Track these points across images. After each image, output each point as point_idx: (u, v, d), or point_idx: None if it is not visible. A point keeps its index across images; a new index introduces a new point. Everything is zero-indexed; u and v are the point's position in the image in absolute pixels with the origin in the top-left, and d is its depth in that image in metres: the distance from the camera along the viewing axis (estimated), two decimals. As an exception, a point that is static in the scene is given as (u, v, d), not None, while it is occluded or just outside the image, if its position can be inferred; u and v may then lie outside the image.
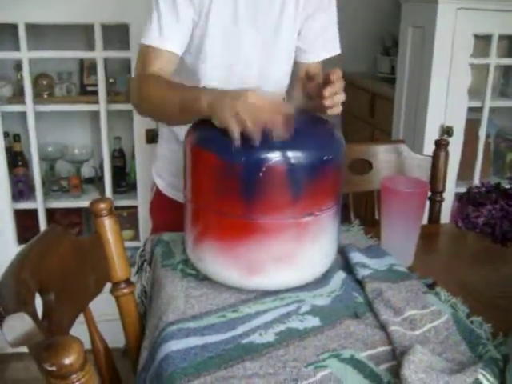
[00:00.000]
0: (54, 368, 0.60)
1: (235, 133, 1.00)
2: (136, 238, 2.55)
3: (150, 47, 1.33)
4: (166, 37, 1.33)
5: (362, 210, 1.74)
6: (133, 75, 1.40)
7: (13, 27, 2.16)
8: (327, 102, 1.11)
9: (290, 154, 1.00)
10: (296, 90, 1.29)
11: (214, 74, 1.42)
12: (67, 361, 0.59)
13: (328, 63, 1.51)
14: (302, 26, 1.48)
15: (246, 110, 0.99)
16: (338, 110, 1.13)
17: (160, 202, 1.67)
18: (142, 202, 2.41)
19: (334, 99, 1.11)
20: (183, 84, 1.24)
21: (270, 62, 1.47)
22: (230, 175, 1.02)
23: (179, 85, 1.25)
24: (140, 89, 1.32)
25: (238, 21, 1.39)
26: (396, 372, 0.86)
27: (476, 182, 2.45)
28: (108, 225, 1.12)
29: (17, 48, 2.20)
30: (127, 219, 2.60)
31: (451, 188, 2.26)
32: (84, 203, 2.52)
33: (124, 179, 2.64)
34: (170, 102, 1.21)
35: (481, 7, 2.16)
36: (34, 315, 0.75)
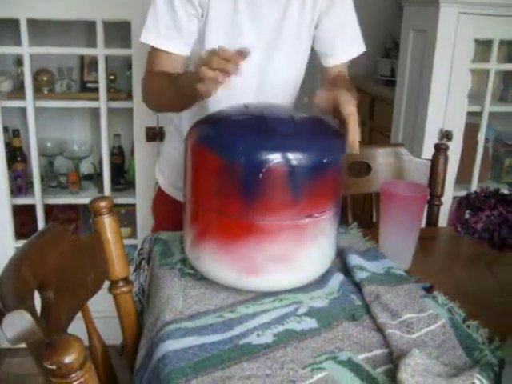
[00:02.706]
0: (54, 367, 0.60)
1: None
2: (133, 235, 2.55)
3: (157, 50, 1.35)
4: (173, 39, 1.34)
5: (359, 212, 1.74)
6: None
7: (14, 22, 2.15)
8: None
9: (290, 155, 1.00)
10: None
11: None
12: (67, 360, 0.59)
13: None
14: (317, 28, 1.48)
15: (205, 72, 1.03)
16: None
17: (162, 200, 1.67)
18: (140, 199, 2.41)
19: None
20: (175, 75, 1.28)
21: (271, 64, 1.45)
22: (229, 175, 1.02)
23: (173, 75, 1.29)
24: (143, 85, 1.38)
25: (238, 22, 1.38)
26: (393, 375, 0.86)
27: (474, 186, 2.46)
28: (108, 223, 1.12)
29: (17, 43, 2.20)
30: (125, 217, 2.60)
31: (449, 192, 2.27)
32: (82, 200, 2.52)
33: (122, 177, 2.64)
34: (168, 91, 1.27)
35: (482, 12, 2.16)
36: (32, 312, 0.75)
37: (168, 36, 1.34)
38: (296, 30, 1.44)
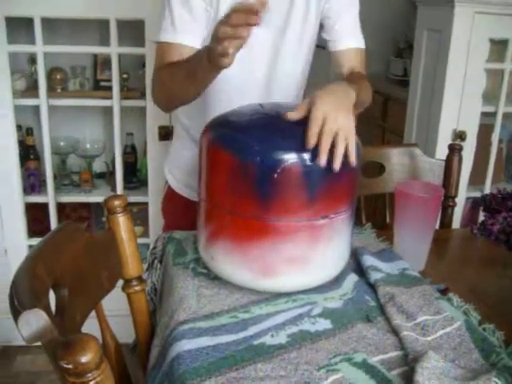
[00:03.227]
0: (70, 366, 0.59)
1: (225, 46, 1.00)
2: (145, 234, 2.55)
3: (164, 44, 1.34)
4: (180, 31, 1.32)
5: (370, 213, 1.73)
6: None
7: (28, 21, 2.16)
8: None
9: (305, 155, 0.99)
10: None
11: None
12: (84, 359, 0.59)
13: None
14: (323, 16, 1.47)
15: (225, 31, 0.99)
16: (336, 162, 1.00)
17: (171, 199, 1.67)
18: (152, 198, 2.42)
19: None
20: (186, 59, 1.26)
21: (277, 57, 1.45)
22: (244, 175, 1.02)
23: (181, 61, 1.27)
24: (155, 81, 1.35)
25: None
26: (408, 378, 0.86)
27: (487, 187, 2.44)
28: (122, 222, 1.12)
29: (30, 41, 2.21)
30: (137, 215, 2.60)
31: (462, 193, 2.25)
32: (95, 198, 2.53)
33: (135, 175, 2.64)
34: (178, 76, 1.24)
35: (498, 12, 2.14)
36: (48, 311, 0.74)
37: (184, 29, 1.33)
38: (301, 24, 1.44)
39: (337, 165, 0.99)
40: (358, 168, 1.10)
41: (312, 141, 0.99)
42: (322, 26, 1.49)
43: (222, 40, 1.00)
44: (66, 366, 0.60)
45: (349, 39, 1.48)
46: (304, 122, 1.09)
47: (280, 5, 1.39)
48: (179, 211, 1.62)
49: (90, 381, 0.61)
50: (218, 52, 1.02)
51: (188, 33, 1.33)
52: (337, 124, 1.00)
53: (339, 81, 1.30)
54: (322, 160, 0.99)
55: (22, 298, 0.75)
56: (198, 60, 1.16)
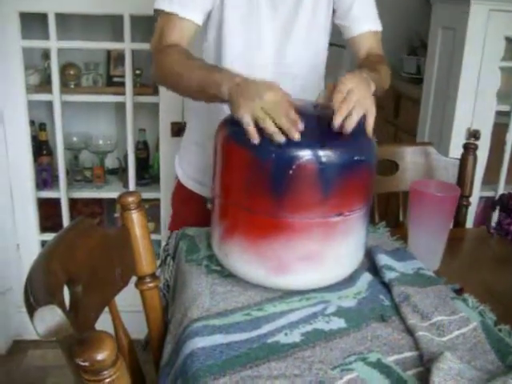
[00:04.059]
0: (86, 363, 0.59)
1: (250, 131, 1.00)
2: (157, 230, 2.55)
3: (170, 14, 1.32)
4: (187, 4, 1.31)
5: (382, 211, 1.72)
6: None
7: (42, 16, 2.17)
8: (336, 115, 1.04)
9: (321, 152, 0.99)
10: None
11: (232, 58, 1.42)
12: (100, 357, 0.59)
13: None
14: (336, 4, 1.45)
15: (263, 109, 1.00)
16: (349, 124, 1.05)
17: (180, 192, 1.66)
18: (164, 194, 2.41)
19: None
20: (202, 61, 1.24)
21: (287, 44, 1.43)
22: (259, 171, 1.01)
23: (198, 63, 1.23)
24: (157, 62, 1.32)
25: (254, 4, 1.37)
26: (423, 378, 0.85)
27: (501, 186, 2.42)
28: (135, 218, 1.12)
29: (44, 37, 2.21)
30: (148, 211, 2.59)
31: (476, 192, 2.24)
32: (107, 194, 2.54)
33: (147, 171, 2.64)
34: (188, 81, 1.21)
35: (514, 9, 2.12)
36: (62, 307, 0.74)
37: (191, 4, 1.32)
38: (312, 8, 1.43)
39: (349, 126, 1.03)
40: (373, 165, 1.10)
41: (336, 106, 1.03)
42: (334, 12, 1.48)
43: (261, 126, 1.00)
44: (81, 363, 0.60)
45: (365, 23, 1.46)
46: (319, 119, 1.08)
47: None
48: (186, 204, 1.63)
49: (106, 378, 0.61)
50: (245, 126, 1.02)
51: (189, 6, 1.32)
52: (358, 97, 1.05)
53: (360, 69, 1.29)
54: (337, 120, 1.03)
55: (38, 294, 0.75)
56: (215, 84, 1.13)
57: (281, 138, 0.98)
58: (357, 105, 1.04)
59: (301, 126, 0.99)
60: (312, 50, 1.49)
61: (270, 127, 0.99)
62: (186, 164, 1.63)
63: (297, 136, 0.98)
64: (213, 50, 1.44)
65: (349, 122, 1.03)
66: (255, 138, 1.00)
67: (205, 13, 1.36)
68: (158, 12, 1.35)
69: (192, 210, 1.55)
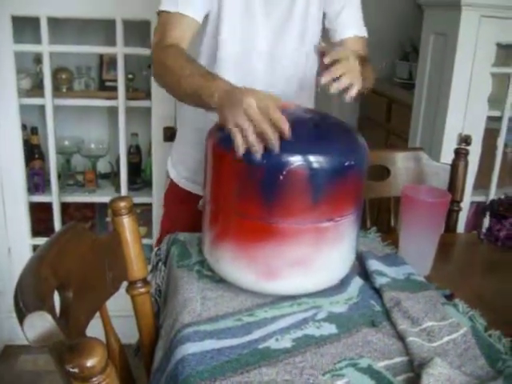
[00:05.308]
0: (76, 370, 0.59)
1: (237, 142, 1.00)
2: (149, 235, 2.55)
3: (170, 13, 1.34)
4: (188, 3, 1.34)
5: (373, 216, 1.73)
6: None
7: (34, 20, 2.16)
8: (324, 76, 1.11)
9: (311, 158, 0.99)
10: None
11: (227, 61, 1.45)
12: (90, 363, 0.59)
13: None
14: (326, 5, 1.50)
15: (246, 115, 0.99)
16: (336, 86, 1.12)
17: (173, 192, 1.67)
18: (156, 199, 2.41)
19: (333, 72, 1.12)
20: (199, 66, 1.24)
21: (280, 47, 1.47)
22: (250, 177, 1.02)
23: (196, 69, 1.22)
24: (157, 62, 1.32)
25: (251, 3, 1.40)
26: (414, 384, 0.85)
27: (492, 191, 2.43)
28: (127, 224, 1.12)
29: (36, 41, 2.20)
30: (140, 216, 2.59)
31: (467, 197, 2.24)
32: (99, 198, 2.54)
33: (139, 176, 2.64)
34: (184, 85, 1.21)
35: (505, 15, 2.13)
36: (52, 313, 0.74)
37: (190, 2, 1.34)
38: (304, 11, 1.46)
39: (335, 87, 1.12)
40: (364, 170, 1.10)
41: (328, 61, 1.13)
42: (324, 15, 1.52)
43: (240, 127, 1.00)
44: (71, 369, 0.60)
45: (353, 28, 1.51)
46: (310, 125, 1.09)
47: None
48: (179, 204, 1.63)
49: (96, 385, 0.61)
50: (232, 137, 1.01)
51: (189, 4, 1.34)
52: (348, 68, 1.14)
53: None
54: (326, 78, 1.11)
55: (27, 299, 0.75)
56: (207, 94, 1.12)
57: (255, 151, 0.98)
58: (347, 72, 1.13)
59: (286, 128, 0.98)
60: (305, 50, 1.51)
61: (248, 137, 0.98)
62: (180, 164, 1.64)
63: (276, 148, 0.97)
64: (209, 46, 1.47)
65: (336, 85, 1.11)
66: (240, 152, 0.99)
67: (205, 11, 1.39)
68: (159, 13, 1.38)
69: (185, 208, 1.56)
